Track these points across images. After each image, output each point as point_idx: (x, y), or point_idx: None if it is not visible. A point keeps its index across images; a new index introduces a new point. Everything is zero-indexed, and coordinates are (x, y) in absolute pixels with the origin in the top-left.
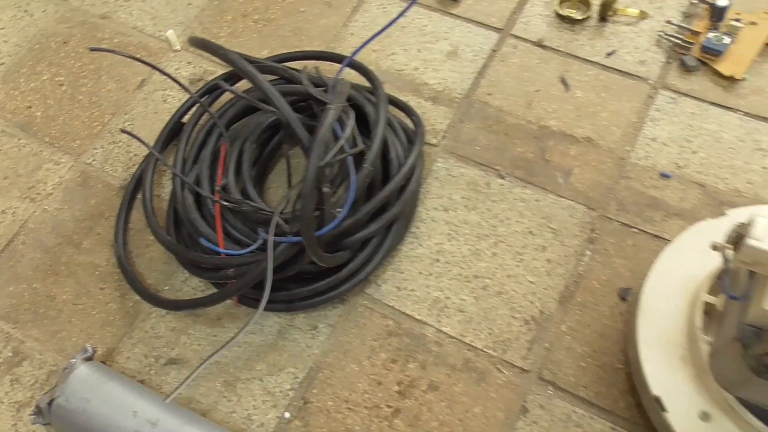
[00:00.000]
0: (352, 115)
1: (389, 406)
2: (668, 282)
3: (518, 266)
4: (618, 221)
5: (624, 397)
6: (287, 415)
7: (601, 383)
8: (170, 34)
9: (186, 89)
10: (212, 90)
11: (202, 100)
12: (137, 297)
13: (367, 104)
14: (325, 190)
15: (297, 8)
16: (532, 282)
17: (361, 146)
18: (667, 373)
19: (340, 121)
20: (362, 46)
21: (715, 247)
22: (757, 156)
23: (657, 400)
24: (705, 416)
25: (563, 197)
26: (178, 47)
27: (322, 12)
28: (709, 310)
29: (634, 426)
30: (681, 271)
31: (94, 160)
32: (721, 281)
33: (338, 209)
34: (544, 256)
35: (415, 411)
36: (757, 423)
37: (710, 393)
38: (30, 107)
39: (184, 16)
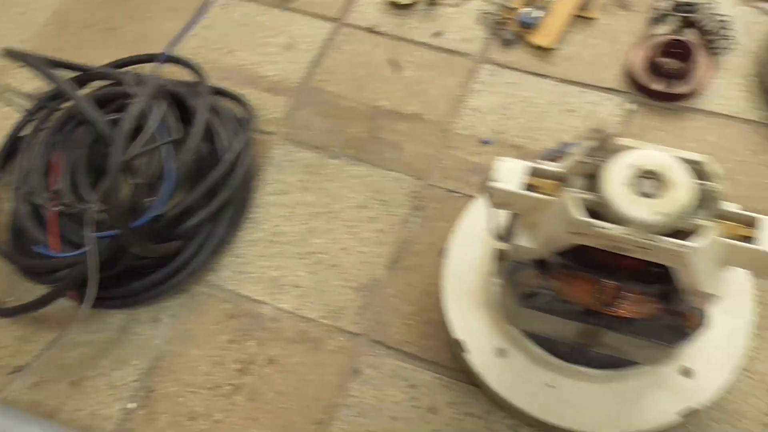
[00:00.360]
0: (163, 106)
1: (230, 384)
2: (471, 235)
3: (350, 239)
4: (441, 187)
5: (446, 348)
6: (131, 405)
7: (425, 338)
8: None
9: (18, 103)
10: (54, 99)
11: (37, 112)
12: None
13: (190, 97)
14: (137, 181)
15: (142, 14)
16: (363, 252)
17: (176, 136)
18: (467, 318)
19: (144, 111)
20: (175, 42)
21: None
22: (566, 116)
23: (459, 343)
24: (501, 353)
25: (392, 170)
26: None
27: (167, 17)
28: (503, 257)
29: (456, 373)
30: (482, 225)
31: None
32: (488, 224)
33: (154, 197)
34: (374, 227)
35: (254, 386)
36: (540, 351)
37: (504, 331)
38: None
39: (27, 32)
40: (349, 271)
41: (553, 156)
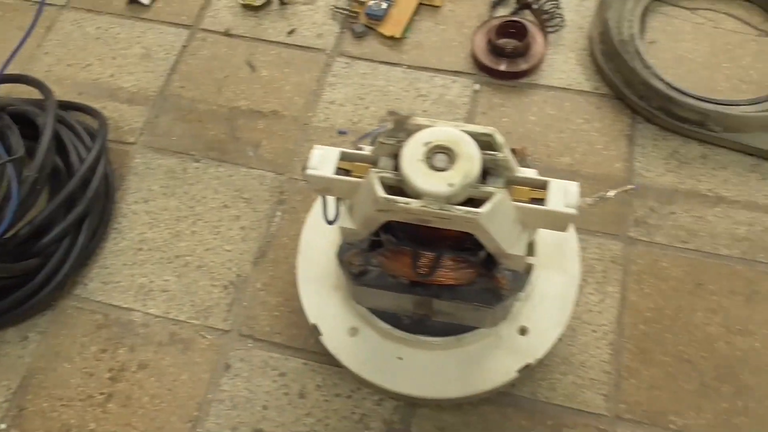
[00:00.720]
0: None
1: (102, 393)
2: (322, 223)
3: (215, 239)
4: (303, 180)
5: (312, 334)
6: (3, 426)
7: (293, 327)
8: None
9: None
10: None
11: None
12: None
13: (37, 114)
14: None
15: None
16: (228, 250)
17: (17, 154)
18: (321, 302)
19: None
20: (8, 62)
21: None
22: (419, 101)
23: (314, 327)
24: (353, 331)
25: (253, 168)
26: None
27: (16, 36)
28: None
29: (322, 357)
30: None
31: None
32: (322, 210)
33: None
34: (238, 225)
35: (127, 392)
36: (386, 326)
37: (354, 312)
38: None
39: None
40: (216, 270)
41: (372, 138)
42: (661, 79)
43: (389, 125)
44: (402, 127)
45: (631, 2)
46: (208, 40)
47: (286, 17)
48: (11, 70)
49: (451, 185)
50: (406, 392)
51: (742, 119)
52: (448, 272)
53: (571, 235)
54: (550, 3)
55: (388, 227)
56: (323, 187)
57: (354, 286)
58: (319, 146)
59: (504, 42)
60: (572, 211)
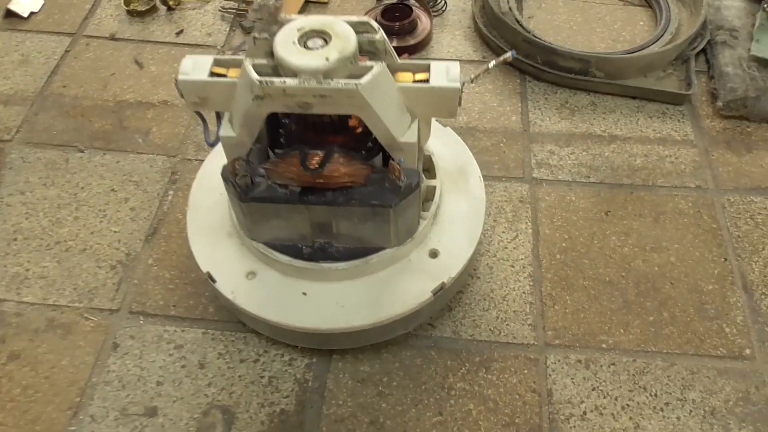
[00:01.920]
0: None
1: None
2: (210, 178)
3: (102, 222)
4: (196, 159)
5: (212, 302)
6: None
7: (190, 297)
8: None
9: None
10: None
11: None
12: None
13: None
14: None
15: None
16: (116, 231)
17: None
18: (215, 251)
19: None
20: None
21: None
22: None
23: (208, 275)
24: (251, 274)
25: (143, 153)
26: None
27: None
28: None
29: (224, 324)
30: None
31: None
32: (205, 135)
33: None
34: (127, 206)
35: None
36: (286, 258)
37: (252, 254)
38: None
39: None
40: (102, 252)
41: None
42: (544, 40)
43: (258, 17)
44: (275, 20)
45: None
46: (92, 44)
47: (173, 21)
48: None
49: (327, 59)
50: (312, 327)
51: (620, 62)
52: (341, 167)
53: (471, 160)
54: None
55: (275, 142)
56: (199, 96)
57: (243, 206)
58: (192, 55)
59: (391, 22)
60: (456, 84)
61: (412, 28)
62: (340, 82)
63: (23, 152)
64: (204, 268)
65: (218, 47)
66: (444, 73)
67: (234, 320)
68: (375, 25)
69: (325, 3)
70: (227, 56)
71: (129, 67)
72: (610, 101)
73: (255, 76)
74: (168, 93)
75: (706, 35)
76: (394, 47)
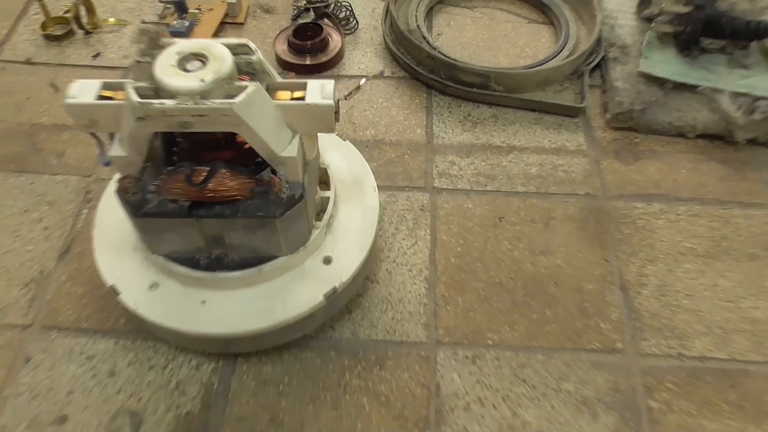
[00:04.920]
0: None
1: None
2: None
3: (15, 242)
4: (111, 179)
5: (123, 314)
6: None
7: (102, 311)
8: None
9: None
10: None
11: None
12: None
13: None
14: None
15: None
16: (29, 250)
17: None
18: (119, 265)
19: None
20: None
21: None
22: None
23: (112, 288)
24: (154, 285)
25: (58, 174)
26: None
27: None
28: None
29: (134, 335)
30: None
31: None
32: (99, 155)
33: None
34: (41, 226)
35: None
36: (182, 269)
37: (154, 267)
38: None
39: None
40: (14, 270)
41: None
42: (448, 56)
43: (140, 44)
44: (156, 45)
45: (415, 4)
46: (7, 69)
47: (90, 44)
48: None
49: (202, 81)
50: (211, 332)
51: (518, 77)
52: (225, 181)
53: (367, 172)
54: (344, 10)
55: (169, 159)
56: (87, 119)
57: (136, 221)
58: (81, 80)
59: (303, 42)
60: (329, 102)
61: (324, 46)
62: (215, 102)
63: None
64: (108, 282)
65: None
66: (319, 91)
67: (144, 330)
68: (252, 46)
69: (241, 24)
70: (115, 80)
71: (44, 90)
72: (511, 114)
73: (136, 98)
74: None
75: (600, 52)
76: (306, 64)
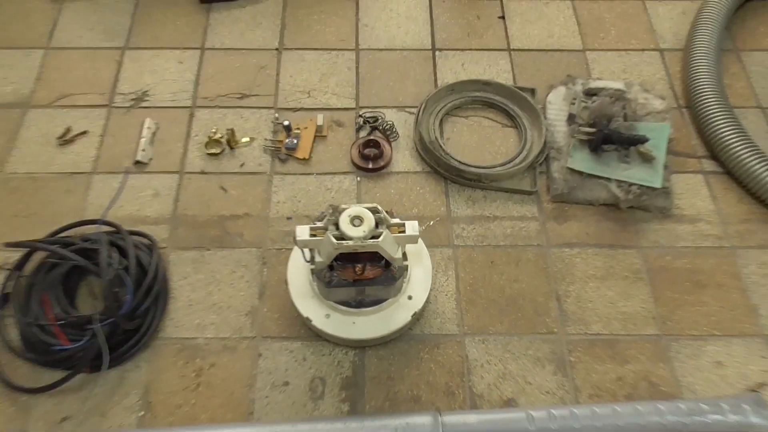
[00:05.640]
0: (111, 249)
1: (195, 378)
2: (298, 263)
3: (232, 291)
4: (273, 249)
5: (304, 328)
6: (141, 413)
7: (291, 327)
8: None
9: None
10: (21, 265)
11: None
12: (24, 397)
13: (119, 241)
14: (116, 290)
15: (48, 199)
16: (242, 295)
17: (123, 264)
18: (306, 304)
19: (108, 254)
20: (107, 210)
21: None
22: (327, 192)
23: (307, 318)
24: (327, 316)
25: (244, 248)
26: None
27: (66, 196)
28: (314, 271)
29: (313, 339)
30: (300, 258)
31: None
32: (303, 257)
33: (126, 296)
34: (243, 280)
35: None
36: (344, 308)
37: (327, 306)
38: None
39: None
40: (237, 307)
41: (321, 216)
42: (455, 159)
43: (330, 210)
44: (336, 210)
45: (432, 117)
46: (192, 178)
47: (235, 156)
48: (71, 220)
49: (364, 231)
50: (359, 338)
51: (497, 175)
52: (370, 271)
53: (423, 248)
54: (388, 124)
55: (338, 258)
56: (304, 244)
57: (325, 289)
58: (299, 225)
59: (368, 151)
60: (416, 232)
61: (381, 154)
62: (370, 242)
63: (176, 253)
64: (304, 314)
65: (266, 173)
66: (411, 228)
67: (319, 339)
68: (380, 208)
69: (325, 136)
70: (317, 225)
71: (218, 192)
72: (494, 195)
73: (334, 241)
74: (247, 208)
75: (545, 151)
76: (370, 168)
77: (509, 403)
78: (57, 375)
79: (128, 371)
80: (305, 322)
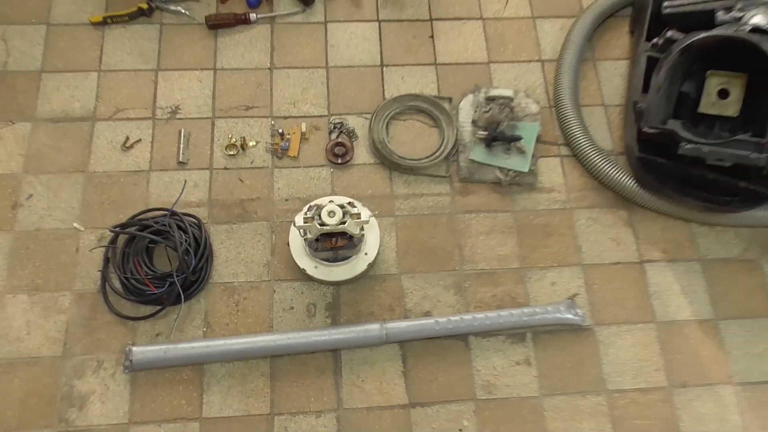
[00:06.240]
0: (179, 232)
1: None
2: (296, 235)
3: (253, 249)
4: (278, 222)
5: (302, 275)
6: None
7: (293, 272)
8: (76, 225)
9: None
10: (114, 241)
11: (113, 245)
12: (131, 323)
13: (179, 222)
14: (186, 257)
15: (121, 191)
16: (260, 252)
17: (188, 242)
18: (301, 259)
19: (178, 234)
20: (175, 203)
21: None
22: (312, 181)
23: (303, 269)
24: (316, 267)
25: (258, 221)
26: (82, 229)
27: (134, 189)
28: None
29: (305, 281)
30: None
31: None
32: (301, 235)
33: (191, 260)
34: (260, 243)
35: None
36: (324, 262)
37: (313, 260)
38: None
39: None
40: (257, 260)
41: (309, 210)
42: (396, 154)
43: (315, 207)
44: (319, 207)
45: (381, 122)
46: (219, 173)
47: (247, 156)
48: (142, 207)
49: (336, 220)
50: (336, 280)
51: (424, 165)
52: (340, 242)
53: (375, 223)
54: (350, 129)
55: (320, 235)
56: (300, 227)
57: (313, 251)
58: (297, 216)
59: (337, 150)
60: (368, 218)
61: (347, 152)
62: (342, 226)
63: (214, 227)
64: (300, 266)
65: (268, 168)
66: (365, 215)
67: (311, 280)
68: (348, 200)
69: (308, 138)
70: (307, 215)
71: (237, 183)
72: (422, 179)
73: (318, 227)
74: (258, 193)
75: (456, 147)
76: (340, 162)
77: (427, 314)
78: (149, 309)
79: (194, 305)
80: (302, 271)
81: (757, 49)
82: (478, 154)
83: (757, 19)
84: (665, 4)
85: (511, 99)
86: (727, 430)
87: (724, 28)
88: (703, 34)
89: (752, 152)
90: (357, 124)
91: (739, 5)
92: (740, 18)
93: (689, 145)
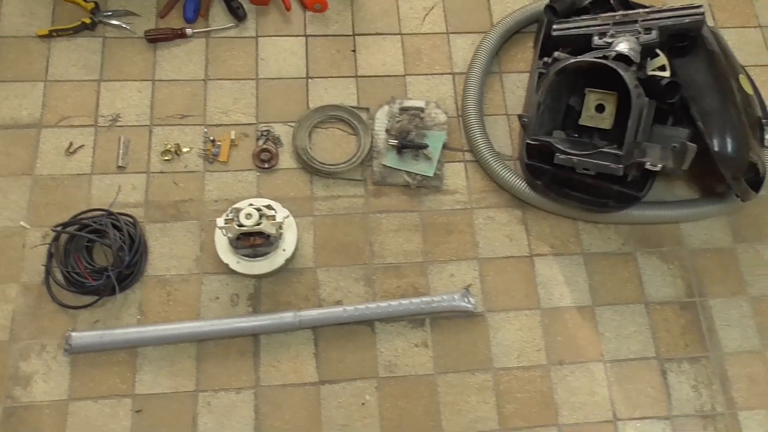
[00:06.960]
0: (113, 229)
1: None
2: (221, 236)
3: (185, 246)
4: (207, 221)
5: (225, 269)
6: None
7: (219, 266)
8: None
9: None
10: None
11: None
12: (72, 311)
13: (115, 221)
14: (120, 253)
15: (65, 193)
16: (190, 248)
17: (123, 240)
18: (225, 256)
19: (113, 232)
20: (111, 204)
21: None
22: (239, 185)
23: (227, 264)
24: (238, 262)
25: (189, 220)
26: (29, 227)
27: (77, 190)
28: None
29: (230, 274)
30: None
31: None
32: (225, 234)
33: (125, 256)
34: (191, 240)
35: None
36: (245, 258)
37: (237, 256)
38: None
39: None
40: (187, 255)
41: (229, 212)
42: (317, 160)
43: (234, 210)
44: (238, 210)
45: (304, 130)
46: (155, 176)
47: (181, 161)
48: (84, 206)
49: (252, 222)
50: (256, 273)
51: (342, 170)
52: (258, 240)
53: (292, 221)
54: (276, 137)
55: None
56: (222, 228)
57: (235, 248)
58: (218, 218)
59: (263, 155)
60: (282, 219)
61: (272, 157)
62: (258, 226)
63: (150, 225)
64: (225, 261)
65: (200, 171)
66: (281, 216)
67: (235, 273)
68: (267, 203)
69: (237, 144)
70: (228, 217)
71: (171, 185)
72: (340, 182)
73: (236, 228)
74: (191, 195)
75: (372, 153)
76: (266, 167)
77: (338, 303)
78: (88, 299)
79: (130, 295)
80: (226, 266)
81: (618, 74)
82: (390, 159)
83: (621, 46)
84: (554, 27)
85: (422, 109)
86: (595, 401)
87: (596, 52)
88: (572, 60)
89: (612, 163)
90: (283, 132)
91: (611, 31)
92: (610, 44)
93: (562, 156)
